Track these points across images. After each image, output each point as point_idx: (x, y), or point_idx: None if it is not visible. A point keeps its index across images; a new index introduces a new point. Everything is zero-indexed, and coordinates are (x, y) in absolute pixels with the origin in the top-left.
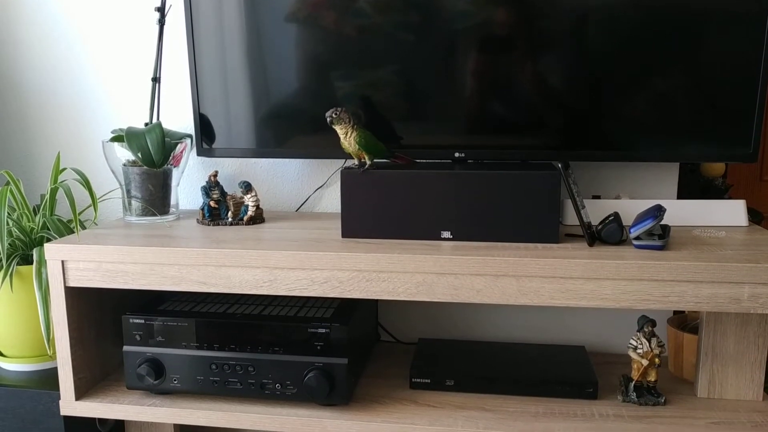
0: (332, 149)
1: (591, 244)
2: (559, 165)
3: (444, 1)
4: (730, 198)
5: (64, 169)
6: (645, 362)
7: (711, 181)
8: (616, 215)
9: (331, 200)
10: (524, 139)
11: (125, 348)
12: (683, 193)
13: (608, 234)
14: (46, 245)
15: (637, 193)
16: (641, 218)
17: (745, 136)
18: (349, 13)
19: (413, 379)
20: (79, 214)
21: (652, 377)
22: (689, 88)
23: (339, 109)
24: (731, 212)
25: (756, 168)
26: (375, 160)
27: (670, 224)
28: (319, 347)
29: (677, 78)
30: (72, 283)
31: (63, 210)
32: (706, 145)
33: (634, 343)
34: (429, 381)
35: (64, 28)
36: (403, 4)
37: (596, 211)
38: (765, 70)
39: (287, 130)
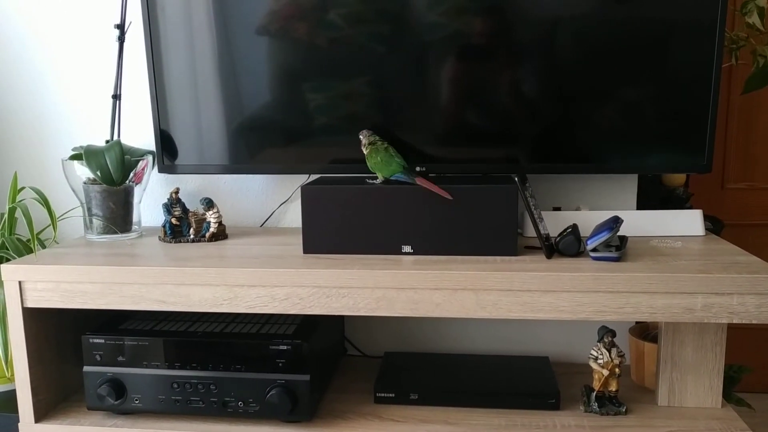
0: (295, 164)
1: (549, 257)
2: (516, 178)
3: (414, 14)
4: (692, 207)
5: (23, 188)
6: (606, 372)
7: (672, 190)
8: (574, 227)
9: (296, 215)
10: (485, 152)
11: (85, 368)
12: (645, 202)
13: (566, 246)
14: (2, 266)
15: (597, 205)
16: (598, 230)
17: (699, 148)
18: (320, 25)
19: (378, 394)
20: (40, 233)
21: (613, 387)
22: (645, 101)
23: (362, 132)
24: (688, 222)
25: (717, 176)
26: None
27: (629, 235)
28: (280, 364)
29: (634, 91)
30: (30, 304)
31: (24, 229)
32: (663, 156)
33: (595, 353)
34: (393, 395)
35: (22, 45)
36: (374, 17)
37: (556, 223)
38: (716, 83)
39: (252, 146)
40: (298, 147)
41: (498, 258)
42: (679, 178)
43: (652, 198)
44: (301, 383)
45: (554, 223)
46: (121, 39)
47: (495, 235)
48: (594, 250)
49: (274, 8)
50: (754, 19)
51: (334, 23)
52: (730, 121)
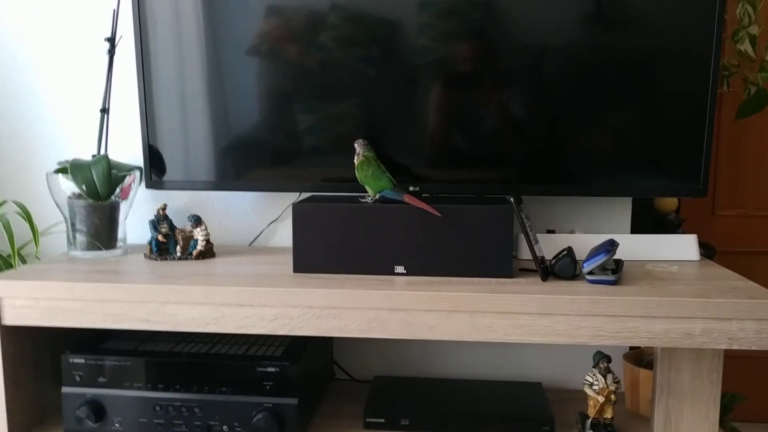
0: (286, 182)
1: (544, 279)
2: (512, 199)
3: (404, 38)
4: (683, 232)
5: (5, 201)
6: (601, 399)
7: (664, 215)
8: (570, 250)
9: (285, 234)
10: (479, 173)
11: (63, 389)
12: (637, 227)
13: (561, 268)
14: None
15: (592, 228)
16: (594, 253)
17: (695, 172)
18: (310, 46)
19: (367, 419)
20: (21, 248)
21: (608, 414)
22: (640, 126)
23: (358, 141)
24: (683, 247)
25: (708, 202)
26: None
27: (623, 259)
28: (268, 387)
29: (629, 115)
30: (7, 321)
31: (6, 244)
32: (658, 180)
33: (590, 379)
34: (383, 420)
35: (9, 55)
36: (364, 40)
37: (551, 246)
38: (712, 107)
39: (240, 163)
40: (289, 165)
41: (493, 280)
42: (671, 204)
43: (644, 223)
44: (289, 407)
45: (548, 246)
46: (111, 52)
47: (490, 256)
48: (590, 273)
49: (265, 29)
50: (746, 46)
51: (324, 45)
52: (720, 148)
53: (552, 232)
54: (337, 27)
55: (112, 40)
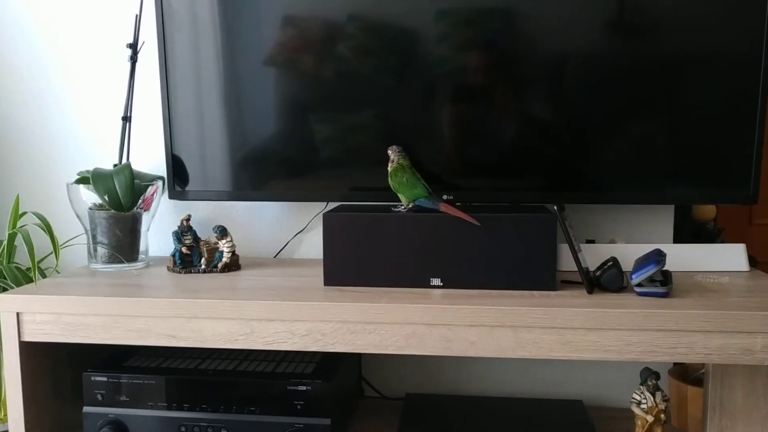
0: (312, 192)
1: (590, 291)
2: (555, 207)
3: (423, 47)
4: (722, 242)
5: (25, 213)
6: (650, 418)
7: (703, 224)
8: (615, 260)
9: (312, 245)
10: (513, 181)
11: (85, 409)
12: (675, 236)
13: (608, 280)
14: (0, 296)
15: (633, 237)
16: (642, 263)
17: (744, 178)
18: (328, 57)
19: None
20: (41, 261)
21: None
22: (687, 131)
23: (392, 148)
24: (731, 257)
25: (745, 211)
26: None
27: (666, 269)
28: (299, 406)
29: (674, 121)
30: (27, 338)
31: (24, 257)
32: (704, 186)
33: (638, 397)
34: None
35: (29, 64)
36: (383, 49)
37: (591, 256)
38: (762, 111)
39: (265, 172)
40: (315, 175)
41: (536, 293)
42: (709, 212)
43: (682, 232)
44: (322, 428)
45: (589, 257)
46: (134, 59)
47: (532, 267)
48: (639, 285)
49: (282, 40)
50: None
51: (341, 56)
52: None
53: (592, 242)
54: (354, 37)
55: (134, 47)
